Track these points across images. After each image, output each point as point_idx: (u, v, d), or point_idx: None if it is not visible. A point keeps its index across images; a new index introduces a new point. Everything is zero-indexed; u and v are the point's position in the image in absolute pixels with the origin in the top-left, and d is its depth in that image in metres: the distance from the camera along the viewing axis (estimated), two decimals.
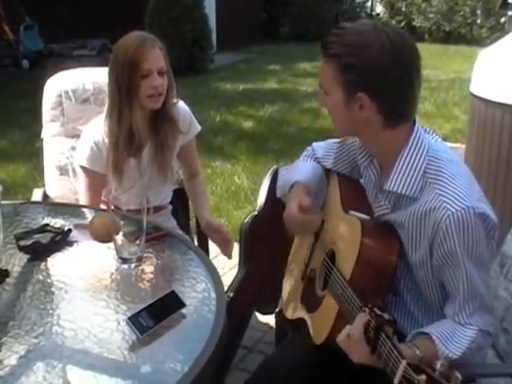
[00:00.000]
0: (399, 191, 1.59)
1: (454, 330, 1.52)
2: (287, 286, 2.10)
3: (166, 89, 2.27)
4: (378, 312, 1.37)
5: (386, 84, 1.52)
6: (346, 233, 1.75)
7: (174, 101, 2.40)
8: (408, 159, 1.58)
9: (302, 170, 1.96)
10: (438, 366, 1.16)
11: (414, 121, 1.63)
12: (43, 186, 2.70)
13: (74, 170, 2.61)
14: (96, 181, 2.36)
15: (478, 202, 1.53)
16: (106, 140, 2.31)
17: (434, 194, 1.54)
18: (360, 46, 1.51)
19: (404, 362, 1.23)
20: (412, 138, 1.59)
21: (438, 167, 1.56)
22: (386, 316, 1.36)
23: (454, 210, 1.49)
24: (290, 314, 2.01)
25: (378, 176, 1.71)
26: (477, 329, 1.53)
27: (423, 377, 1.17)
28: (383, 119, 1.56)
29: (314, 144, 2.03)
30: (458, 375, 1.13)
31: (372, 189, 1.74)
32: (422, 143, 1.59)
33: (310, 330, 1.77)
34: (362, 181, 1.84)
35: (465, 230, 1.49)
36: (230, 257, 2.38)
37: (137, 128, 2.27)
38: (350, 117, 1.58)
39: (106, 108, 2.33)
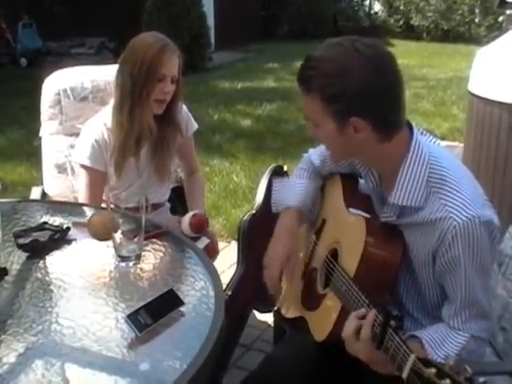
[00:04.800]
0: (404, 203, 1.57)
1: (445, 336, 1.53)
2: (286, 285, 2.10)
3: (171, 96, 2.29)
4: (387, 308, 1.37)
5: (375, 101, 1.49)
6: (350, 231, 1.74)
7: None
8: (410, 170, 1.56)
9: (295, 190, 1.96)
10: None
11: (411, 125, 1.61)
12: (41, 184, 2.70)
13: (72, 169, 2.61)
14: (96, 179, 2.36)
15: (482, 208, 1.52)
16: (107, 136, 2.31)
17: (439, 203, 1.52)
18: (338, 74, 1.47)
19: (413, 356, 1.23)
20: (412, 146, 1.57)
21: (441, 175, 1.55)
22: (394, 312, 1.36)
23: (460, 221, 1.48)
24: (289, 313, 2.01)
25: (378, 184, 1.71)
26: (468, 336, 1.53)
27: (433, 370, 1.15)
28: (378, 135, 1.53)
29: (311, 152, 2.02)
30: (468, 368, 1.12)
31: (373, 196, 1.74)
32: (421, 151, 1.57)
33: (311, 328, 1.77)
34: (362, 182, 1.84)
35: (470, 240, 1.49)
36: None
37: (148, 128, 2.29)
38: (346, 142, 1.56)
39: (114, 99, 2.33)
